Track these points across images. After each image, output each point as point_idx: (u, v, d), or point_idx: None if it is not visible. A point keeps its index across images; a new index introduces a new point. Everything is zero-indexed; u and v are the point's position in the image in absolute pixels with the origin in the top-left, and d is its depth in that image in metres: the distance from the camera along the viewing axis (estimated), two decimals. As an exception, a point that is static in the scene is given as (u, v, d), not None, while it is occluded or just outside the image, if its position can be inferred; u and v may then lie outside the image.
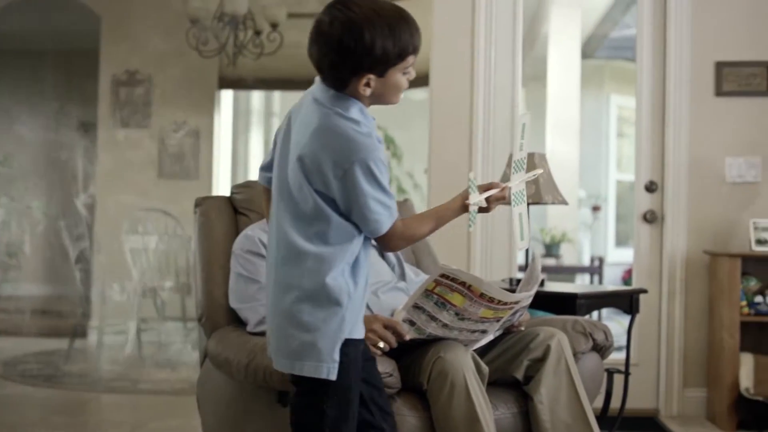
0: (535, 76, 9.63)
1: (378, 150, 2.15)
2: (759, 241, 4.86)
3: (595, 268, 9.21)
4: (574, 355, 3.05)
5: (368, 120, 2.20)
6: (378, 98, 2.22)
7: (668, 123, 5.12)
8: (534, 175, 2.48)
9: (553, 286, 4.21)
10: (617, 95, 10.68)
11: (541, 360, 2.91)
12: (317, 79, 2.26)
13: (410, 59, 2.19)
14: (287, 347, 2.21)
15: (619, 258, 10.33)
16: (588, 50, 9.70)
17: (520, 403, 2.94)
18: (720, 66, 5.11)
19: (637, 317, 4.24)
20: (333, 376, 2.19)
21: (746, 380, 4.78)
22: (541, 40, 9.31)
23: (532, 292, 2.79)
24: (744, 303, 4.81)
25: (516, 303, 2.72)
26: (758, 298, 4.86)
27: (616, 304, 4.10)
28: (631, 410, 4.93)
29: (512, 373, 2.96)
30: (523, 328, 3.02)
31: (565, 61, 9.25)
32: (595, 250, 10.61)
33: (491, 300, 2.63)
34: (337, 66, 2.16)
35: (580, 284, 8.57)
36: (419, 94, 9.09)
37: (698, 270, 5.11)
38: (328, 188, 2.15)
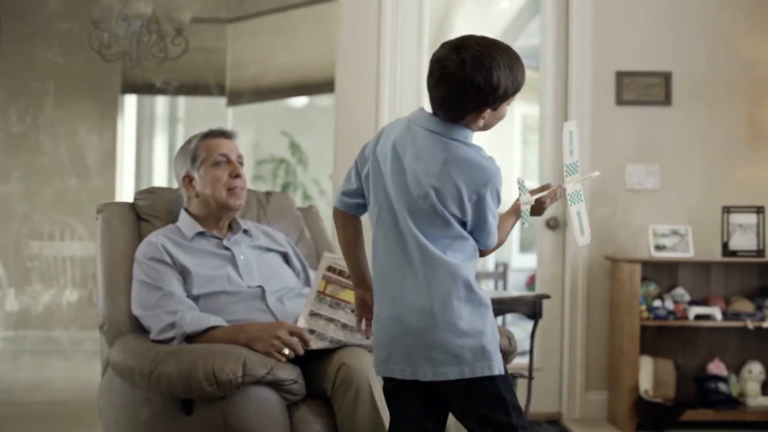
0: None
1: (500, 172, 2.33)
2: (658, 247, 4.97)
3: (500, 274, 9.30)
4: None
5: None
6: (484, 127, 2.39)
7: (570, 131, 5.19)
8: (590, 177, 2.64)
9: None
10: (521, 103, 10.81)
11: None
12: (423, 111, 2.42)
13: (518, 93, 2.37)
14: (453, 356, 2.30)
15: (523, 264, 10.44)
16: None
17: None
18: (620, 75, 5.22)
19: (541, 322, 4.30)
20: (503, 370, 2.33)
21: (646, 383, 4.88)
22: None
23: None
24: (644, 307, 4.91)
25: None
26: (657, 303, 4.96)
27: (520, 309, 4.15)
28: (535, 414, 5.00)
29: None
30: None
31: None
32: (499, 257, 10.70)
33: None
34: (465, 102, 2.30)
35: (485, 290, 8.64)
36: (324, 100, 9.07)
37: (600, 275, 5.20)
38: (463, 212, 2.31)
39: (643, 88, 5.23)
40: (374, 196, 2.39)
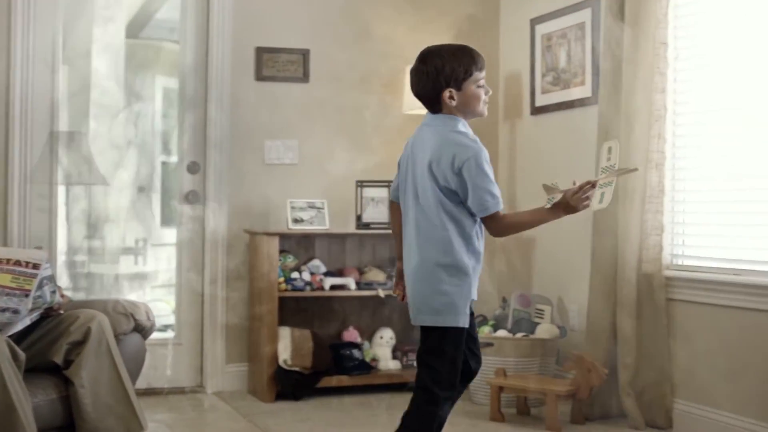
0: (80, 54, 9.38)
1: (483, 151, 2.92)
2: (295, 220, 5.10)
3: (140, 249, 9.18)
4: (116, 336, 3.04)
5: (470, 131, 3.00)
6: (464, 108, 2.99)
7: (210, 105, 5.22)
8: (626, 171, 3.14)
9: (97, 269, 4.17)
10: (162, 76, 10.68)
11: (82, 343, 2.88)
12: (426, 114, 3.06)
13: (477, 75, 2.99)
14: (431, 307, 2.95)
15: (164, 238, 10.36)
16: (133, 30, 9.60)
17: (61, 389, 2.88)
18: (260, 51, 5.29)
19: (183, 297, 4.31)
20: (466, 324, 2.97)
21: (284, 353, 5.00)
22: (86, 18, 9.09)
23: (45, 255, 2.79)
24: (282, 279, 5.03)
25: (33, 266, 2.67)
26: (295, 275, 5.10)
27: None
28: (176, 388, 5.01)
29: (51, 358, 2.90)
30: (62, 312, 2.96)
31: (110, 40, 9.09)
32: (138, 232, 10.55)
33: None
34: (431, 89, 2.98)
35: (123, 265, 8.48)
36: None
37: (239, 249, 5.26)
38: (449, 182, 2.91)
39: (282, 65, 5.34)
40: (402, 186, 3.11)
